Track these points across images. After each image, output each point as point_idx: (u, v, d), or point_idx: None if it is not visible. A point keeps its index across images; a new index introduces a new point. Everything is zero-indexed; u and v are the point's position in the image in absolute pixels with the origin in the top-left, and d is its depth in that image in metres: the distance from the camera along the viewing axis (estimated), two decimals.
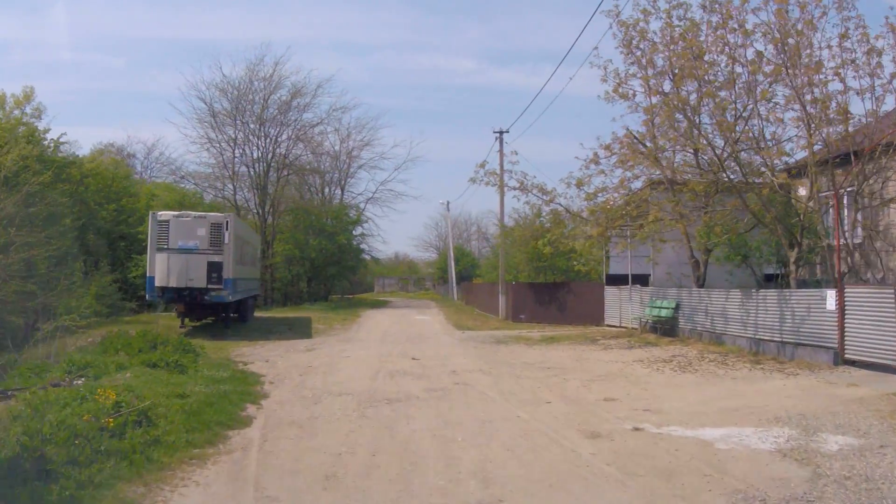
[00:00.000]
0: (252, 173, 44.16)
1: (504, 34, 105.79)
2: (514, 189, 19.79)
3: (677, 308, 19.72)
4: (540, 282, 28.03)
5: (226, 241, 22.09)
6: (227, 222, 22.24)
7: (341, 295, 55.27)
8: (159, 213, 22.58)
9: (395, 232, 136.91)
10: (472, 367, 14.79)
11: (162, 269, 21.31)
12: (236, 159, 43.76)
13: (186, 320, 24.52)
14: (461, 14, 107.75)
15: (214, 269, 21.97)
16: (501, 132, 29.97)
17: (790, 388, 11.17)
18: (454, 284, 53.70)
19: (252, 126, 43.76)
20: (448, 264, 55.92)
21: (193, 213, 23.54)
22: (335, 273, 44.20)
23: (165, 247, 21.42)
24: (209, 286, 21.87)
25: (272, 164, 44.32)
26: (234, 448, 7.64)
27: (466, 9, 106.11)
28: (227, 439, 8.02)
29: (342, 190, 53.24)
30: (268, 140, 44.19)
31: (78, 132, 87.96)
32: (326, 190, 52.68)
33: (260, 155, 43.86)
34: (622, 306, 24.30)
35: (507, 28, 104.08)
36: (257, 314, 33.30)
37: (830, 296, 13.21)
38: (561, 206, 19.91)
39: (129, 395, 8.43)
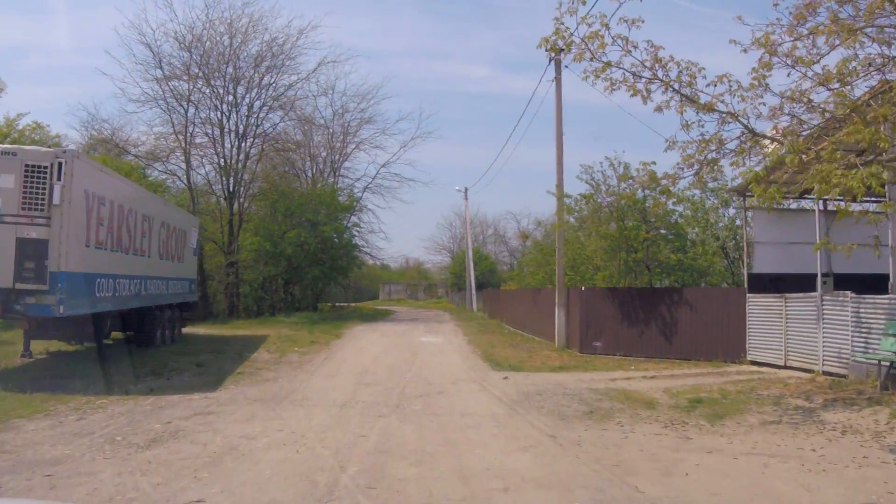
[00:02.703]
0: (217, 146, 33.75)
1: (518, 40, 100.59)
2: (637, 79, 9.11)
3: None
4: (628, 287, 17.20)
5: (56, 200, 11.58)
6: (58, 164, 11.67)
7: (334, 304, 44.64)
8: None
9: (404, 233, 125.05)
10: None
11: None
12: (195, 128, 33.39)
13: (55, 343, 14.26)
14: (474, 21, 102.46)
15: (31, 252, 11.48)
16: None
17: None
18: (473, 292, 42.87)
19: (217, 86, 33.40)
20: (466, 266, 45.11)
21: None
22: (319, 275, 33.57)
23: None
24: (19, 285, 11.39)
25: (242, 134, 33.89)
26: None
27: (479, 16, 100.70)
28: None
29: (335, 173, 42.76)
30: (236, 104, 33.79)
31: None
32: (314, 169, 42.21)
33: (223, 120, 33.43)
34: (791, 329, 13.47)
35: (521, 35, 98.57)
36: (193, 330, 22.90)
37: None
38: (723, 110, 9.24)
39: None
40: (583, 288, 16.85)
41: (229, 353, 16.93)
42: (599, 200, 16.44)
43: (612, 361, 15.54)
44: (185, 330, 23.56)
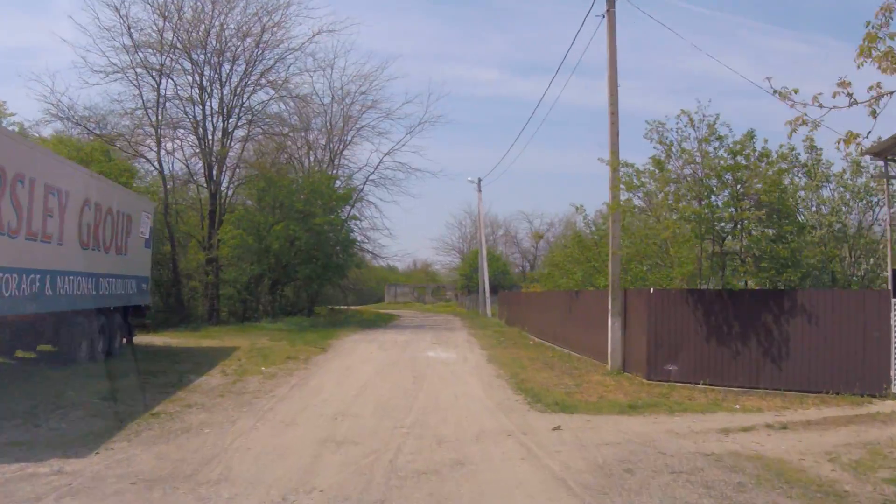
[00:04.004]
0: (198, 128, 29.31)
1: (526, 43, 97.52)
2: None
3: None
4: (717, 290, 12.53)
5: None
6: None
7: (332, 307, 40.18)
8: None
9: (412, 232, 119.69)
10: None
11: None
12: (172, 105, 29.00)
13: None
14: (482, 24, 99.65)
15: None
16: None
17: None
18: (487, 295, 38.23)
19: (199, 60, 29.01)
20: (478, 266, 40.45)
21: None
22: (311, 275, 29.10)
23: None
24: None
25: (227, 112, 29.48)
26: None
27: (488, 19, 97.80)
28: None
29: (333, 162, 38.30)
30: (220, 79, 29.41)
31: None
32: (312, 158, 37.76)
33: (204, 97, 29.03)
34: None
35: (530, 38, 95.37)
36: (150, 340, 18.73)
37: None
38: None
39: None
40: (651, 290, 12.24)
41: (169, 376, 12.49)
42: (681, 170, 11.78)
43: (698, 393, 10.94)
44: (140, 340, 19.27)
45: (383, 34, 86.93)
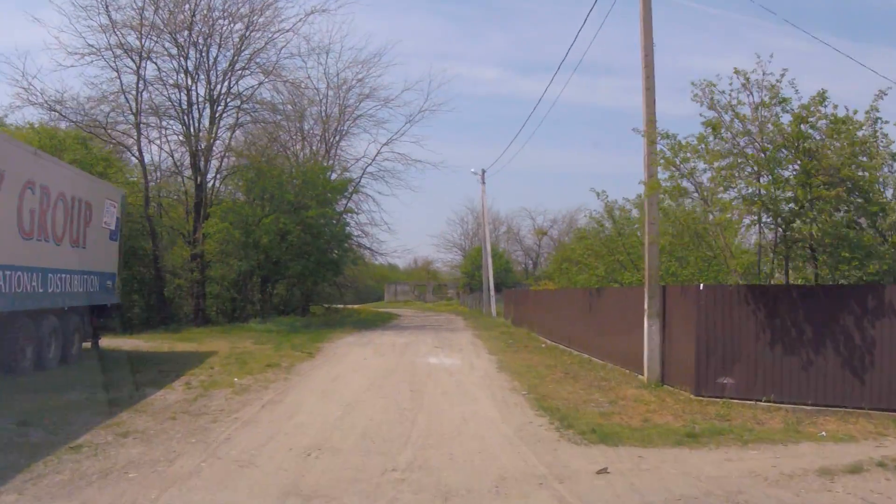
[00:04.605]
0: (183, 116, 27.20)
1: (527, 42, 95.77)
2: None
3: None
4: (785, 285, 10.38)
5: None
6: None
7: (329, 306, 38.05)
8: None
9: (412, 228, 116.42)
10: None
11: None
12: (155, 91, 26.89)
13: None
14: (483, 23, 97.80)
15: None
16: None
17: None
18: (492, 293, 36.08)
19: (184, 43, 26.90)
20: (483, 262, 38.26)
21: None
22: (302, 271, 27.01)
23: None
24: None
25: (214, 98, 27.39)
26: None
27: (488, 18, 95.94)
28: None
29: (329, 154, 36.18)
30: (206, 62, 27.31)
31: None
32: (308, 150, 35.61)
33: (189, 81, 26.95)
34: None
35: (531, 37, 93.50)
36: (119, 343, 16.87)
37: None
38: None
39: None
40: (700, 286, 10.14)
41: (122, 389, 10.46)
42: (734, 140, 9.66)
43: (763, 414, 8.84)
44: (109, 343, 17.27)
45: (383, 31, 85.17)
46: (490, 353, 16.69)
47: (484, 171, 36.83)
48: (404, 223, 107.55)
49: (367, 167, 36.03)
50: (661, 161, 10.72)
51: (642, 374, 11.47)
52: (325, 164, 32.00)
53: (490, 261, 36.18)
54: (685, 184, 10.72)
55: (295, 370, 13.26)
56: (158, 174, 29.00)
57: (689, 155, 10.48)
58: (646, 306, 11.11)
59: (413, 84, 53.34)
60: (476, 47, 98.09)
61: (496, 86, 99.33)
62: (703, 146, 10.17)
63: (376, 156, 36.18)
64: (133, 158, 27.52)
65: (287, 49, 29.65)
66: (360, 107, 35.83)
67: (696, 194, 10.79)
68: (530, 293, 27.09)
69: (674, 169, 10.62)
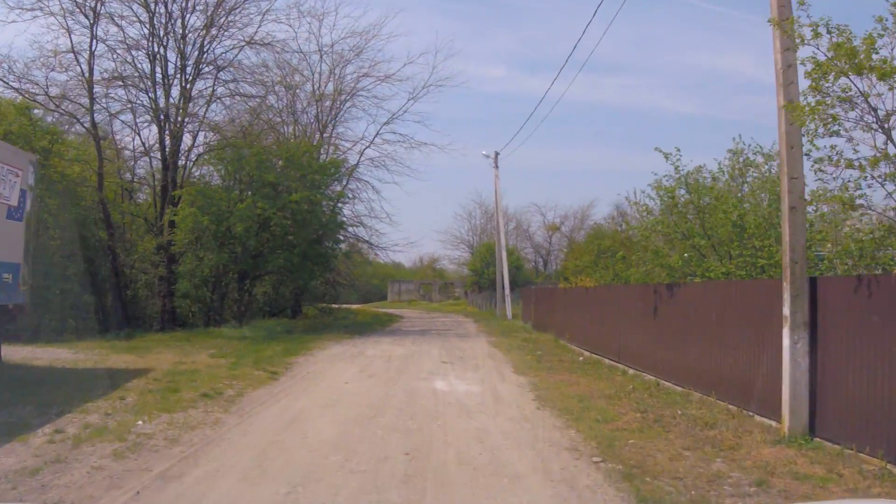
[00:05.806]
0: (146, 83, 23.11)
1: (533, 41, 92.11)
2: None
3: None
4: None
5: None
6: None
7: (323, 307, 33.79)
8: None
9: (416, 223, 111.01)
10: None
11: None
12: (116, 54, 22.77)
13: None
14: (490, 21, 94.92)
15: None
16: None
17: None
18: (507, 291, 31.76)
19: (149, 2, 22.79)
20: (497, 256, 33.86)
21: None
22: (285, 265, 22.84)
23: None
24: None
25: (184, 67, 23.32)
26: None
27: (494, 16, 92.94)
28: None
29: (323, 136, 31.96)
30: (171, 18, 23.23)
31: None
32: (298, 131, 31.39)
33: (156, 47, 22.87)
34: None
35: (536, 35, 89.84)
36: (20, 355, 12.76)
37: None
38: None
39: None
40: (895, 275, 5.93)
41: None
42: None
43: None
44: (16, 354, 13.32)
45: (385, 29, 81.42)
46: (517, 373, 12.44)
47: (497, 154, 32.55)
48: (408, 216, 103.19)
49: (364, 149, 31.85)
50: (812, 66, 6.50)
51: (766, 416, 7.30)
52: (311, 142, 27.77)
53: (504, 255, 31.88)
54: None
55: (240, 404, 9.09)
56: (118, 153, 24.91)
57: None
58: (785, 311, 6.87)
59: (416, 57, 48.11)
60: (482, 45, 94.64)
61: (503, 84, 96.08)
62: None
63: (376, 136, 31.98)
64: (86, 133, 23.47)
65: (273, 11, 25.63)
66: (358, 84, 31.69)
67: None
68: (558, 291, 22.75)
69: (830, 84, 6.40)
